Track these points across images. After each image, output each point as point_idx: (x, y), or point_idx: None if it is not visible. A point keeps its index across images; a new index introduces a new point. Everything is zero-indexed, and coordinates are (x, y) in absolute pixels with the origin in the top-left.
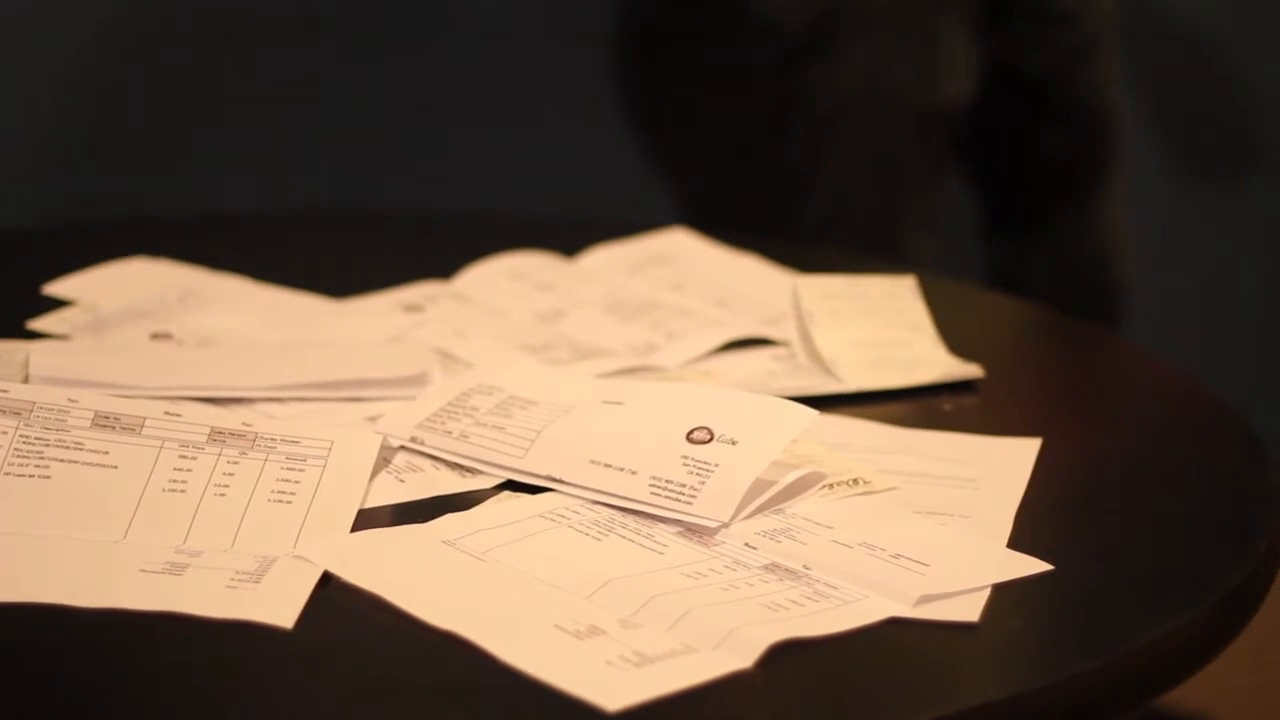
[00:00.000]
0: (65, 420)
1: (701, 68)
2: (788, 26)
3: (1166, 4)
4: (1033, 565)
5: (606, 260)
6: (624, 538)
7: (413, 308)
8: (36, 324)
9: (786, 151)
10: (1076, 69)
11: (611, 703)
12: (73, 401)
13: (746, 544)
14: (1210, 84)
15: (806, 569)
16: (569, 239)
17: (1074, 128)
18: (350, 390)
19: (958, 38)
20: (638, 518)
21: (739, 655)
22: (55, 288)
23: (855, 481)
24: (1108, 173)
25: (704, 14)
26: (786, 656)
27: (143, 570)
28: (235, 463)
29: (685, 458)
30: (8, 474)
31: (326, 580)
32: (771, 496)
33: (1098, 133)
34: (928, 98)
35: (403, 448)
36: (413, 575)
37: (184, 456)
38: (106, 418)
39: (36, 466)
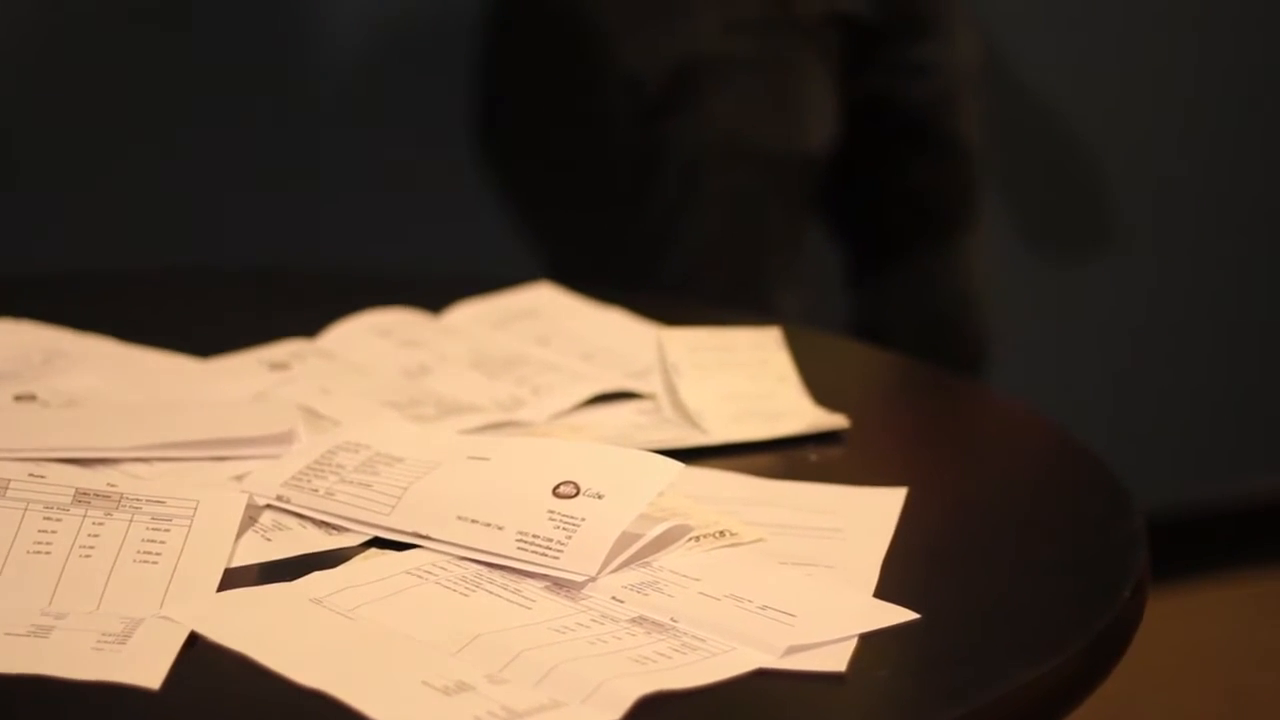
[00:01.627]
0: None
1: (563, 121)
2: (648, 78)
3: (1025, 72)
4: (899, 614)
5: (472, 316)
6: (491, 593)
7: (278, 366)
8: None
9: (650, 204)
10: (937, 118)
11: None
12: None
13: (614, 597)
14: (1061, 151)
15: (674, 621)
16: (435, 295)
17: (934, 178)
18: (216, 449)
19: (819, 88)
20: (505, 573)
21: (607, 709)
22: None
23: (722, 533)
24: (968, 222)
25: (565, 67)
26: (655, 709)
27: (7, 633)
28: (100, 524)
29: (552, 512)
30: None
31: (193, 640)
32: (638, 550)
33: (957, 183)
34: (790, 148)
35: (269, 506)
36: (280, 634)
37: (48, 518)
38: None
39: None
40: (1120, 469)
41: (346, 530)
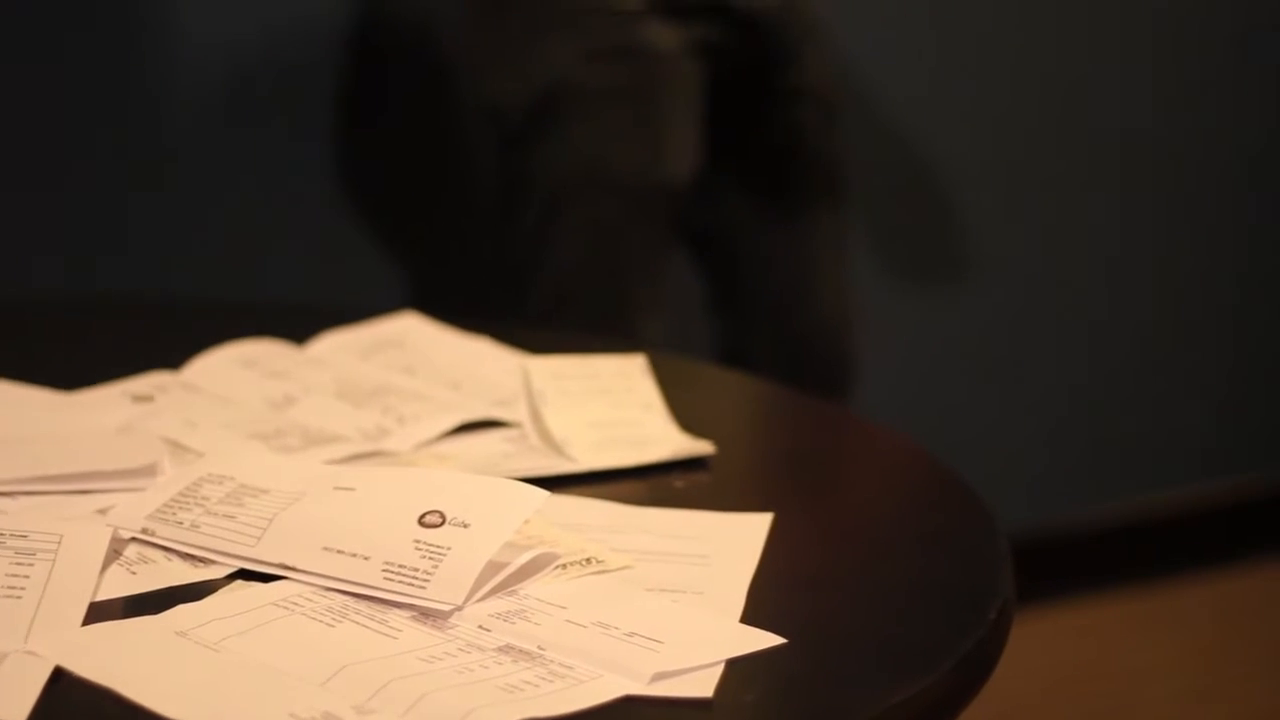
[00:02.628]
0: None
1: (426, 151)
2: (509, 109)
3: (882, 99)
4: (766, 639)
5: (337, 346)
6: (358, 623)
7: (142, 398)
8: None
9: (513, 233)
10: (800, 144)
11: None
12: None
13: (481, 626)
14: (918, 173)
15: (541, 649)
16: (299, 326)
17: (793, 204)
18: (80, 483)
19: (680, 117)
20: (371, 603)
21: None
22: None
23: (588, 561)
24: (830, 247)
25: (426, 97)
26: None
27: None
28: None
29: (418, 542)
30: None
31: (59, 675)
32: (505, 578)
33: (816, 208)
34: (651, 177)
35: (134, 539)
36: (146, 667)
37: None
38: None
39: None
40: (985, 491)
41: (212, 562)
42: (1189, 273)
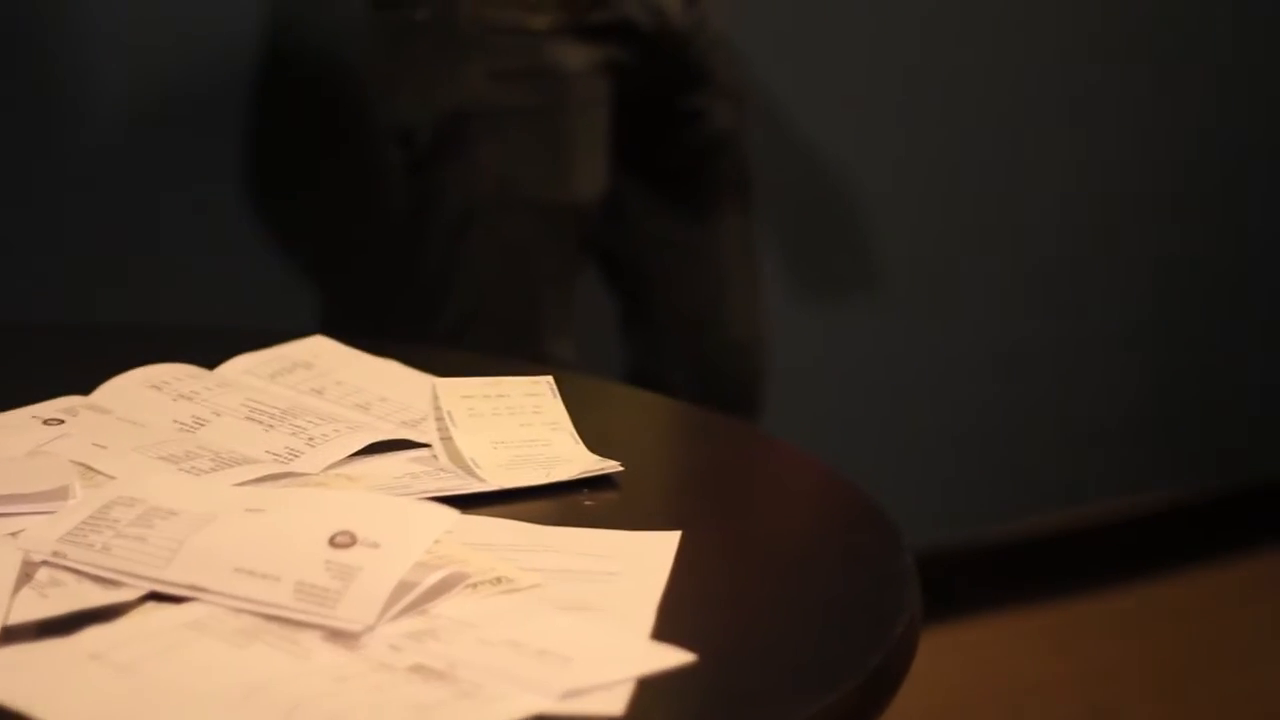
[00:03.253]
0: None
1: (336, 174)
2: (418, 129)
3: (793, 119)
4: (676, 656)
5: (247, 368)
6: (269, 644)
7: (51, 421)
8: None
9: (422, 254)
10: (707, 164)
11: None
12: None
13: (392, 646)
14: (826, 194)
15: (452, 668)
16: (209, 349)
17: (703, 223)
18: None
19: (589, 136)
20: (283, 624)
21: None
22: None
23: (498, 580)
24: (740, 266)
25: (336, 119)
26: None
27: None
28: None
29: (328, 562)
30: None
31: None
32: (415, 598)
33: (726, 227)
34: (560, 197)
35: (45, 562)
36: (59, 690)
37: None
38: None
39: None
40: (892, 509)
41: (124, 585)
42: (1102, 287)
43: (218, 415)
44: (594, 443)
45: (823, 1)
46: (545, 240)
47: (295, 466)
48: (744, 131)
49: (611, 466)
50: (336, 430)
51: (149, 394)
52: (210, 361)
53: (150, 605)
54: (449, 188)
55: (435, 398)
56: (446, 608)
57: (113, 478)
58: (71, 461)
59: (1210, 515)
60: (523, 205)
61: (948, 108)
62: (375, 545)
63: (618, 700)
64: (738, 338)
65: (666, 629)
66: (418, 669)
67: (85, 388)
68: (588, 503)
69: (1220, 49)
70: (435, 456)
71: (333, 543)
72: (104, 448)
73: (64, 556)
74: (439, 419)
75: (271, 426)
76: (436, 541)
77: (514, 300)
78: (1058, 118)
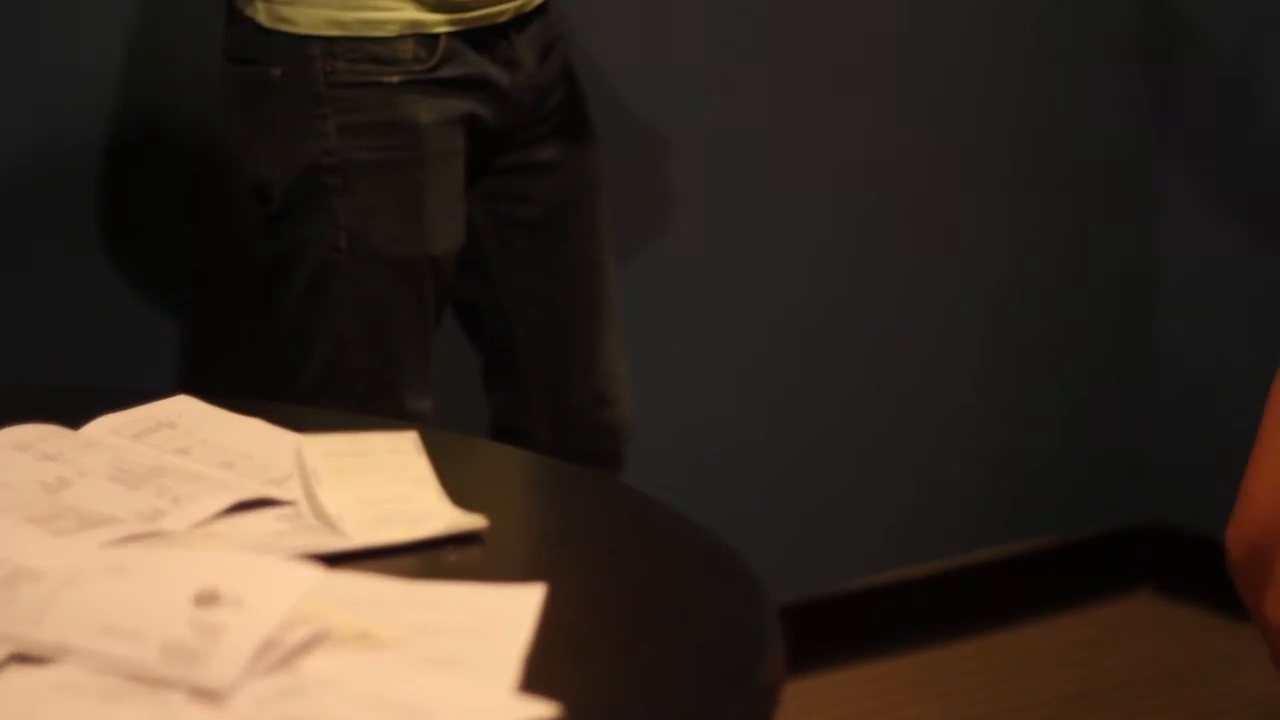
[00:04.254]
0: None
1: (197, 230)
2: (274, 185)
3: (642, 170)
4: (540, 710)
5: (111, 428)
6: (136, 704)
7: None
8: None
9: (281, 310)
10: (567, 215)
11: None
12: None
13: (258, 703)
14: (683, 244)
15: None
16: (73, 409)
17: (563, 274)
18: None
19: (444, 190)
20: (149, 683)
21: None
22: None
23: (363, 636)
24: (601, 317)
25: (195, 176)
26: None
27: None
28: None
29: (194, 621)
30: None
31: None
32: (281, 655)
33: (586, 278)
34: (416, 250)
35: None
36: None
37: None
38: None
39: None
40: (756, 559)
41: None
42: (963, 343)
43: (82, 475)
44: (459, 498)
45: (672, 60)
46: (403, 294)
47: (160, 526)
48: (602, 182)
49: (476, 522)
50: (201, 489)
51: (13, 455)
52: (74, 421)
53: (15, 666)
54: (305, 243)
55: (300, 455)
56: (312, 664)
57: None
58: None
59: (1078, 558)
60: (379, 259)
61: (807, 166)
62: (240, 603)
63: None
64: (601, 390)
65: (531, 682)
66: None
67: None
68: (453, 558)
69: (1093, 112)
70: (300, 514)
71: (198, 601)
72: None
73: None
74: (304, 476)
75: (136, 486)
76: (301, 599)
77: (372, 356)
78: (918, 181)
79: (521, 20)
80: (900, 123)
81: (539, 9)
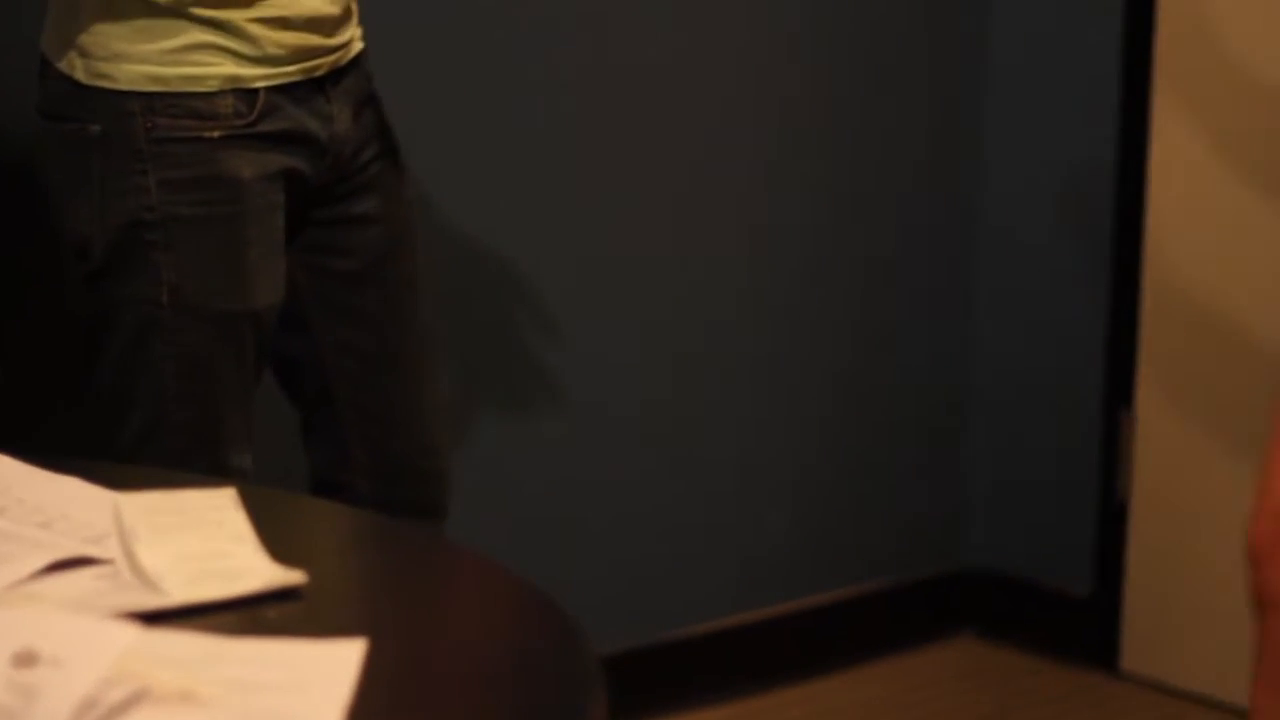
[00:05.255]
0: None
1: (14, 284)
2: (95, 243)
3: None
4: None
5: None
6: None
7: None
8: None
9: (101, 366)
10: (385, 268)
11: None
12: None
13: None
14: (501, 298)
15: None
16: None
17: (383, 326)
18: None
19: (265, 244)
20: None
21: None
22: None
23: (184, 694)
24: (422, 368)
25: (18, 230)
26: None
27: None
28: None
29: (10, 682)
30: None
31: None
32: (99, 715)
33: (405, 330)
34: (237, 305)
35: None
36: None
37: None
38: None
39: None
40: (581, 612)
41: None
42: (771, 394)
43: None
44: (278, 555)
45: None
46: (224, 350)
47: None
48: (417, 234)
49: (295, 578)
50: (19, 549)
51: None
52: None
53: None
54: (126, 300)
55: (117, 513)
56: None
57: None
58: None
59: (900, 604)
60: (201, 315)
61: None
62: (59, 663)
63: None
64: (423, 441)
65: None
66: None
67: None
68: (272, 614)
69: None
70: (119, 572)
71: (16, 662)
72: None
73: None
74: (122, 535)
75: None
76: (121, 657)
77: (194, 411)
78: (737, 246)
79: (336, 74)
80: (738, 215)
81: (352, 63)
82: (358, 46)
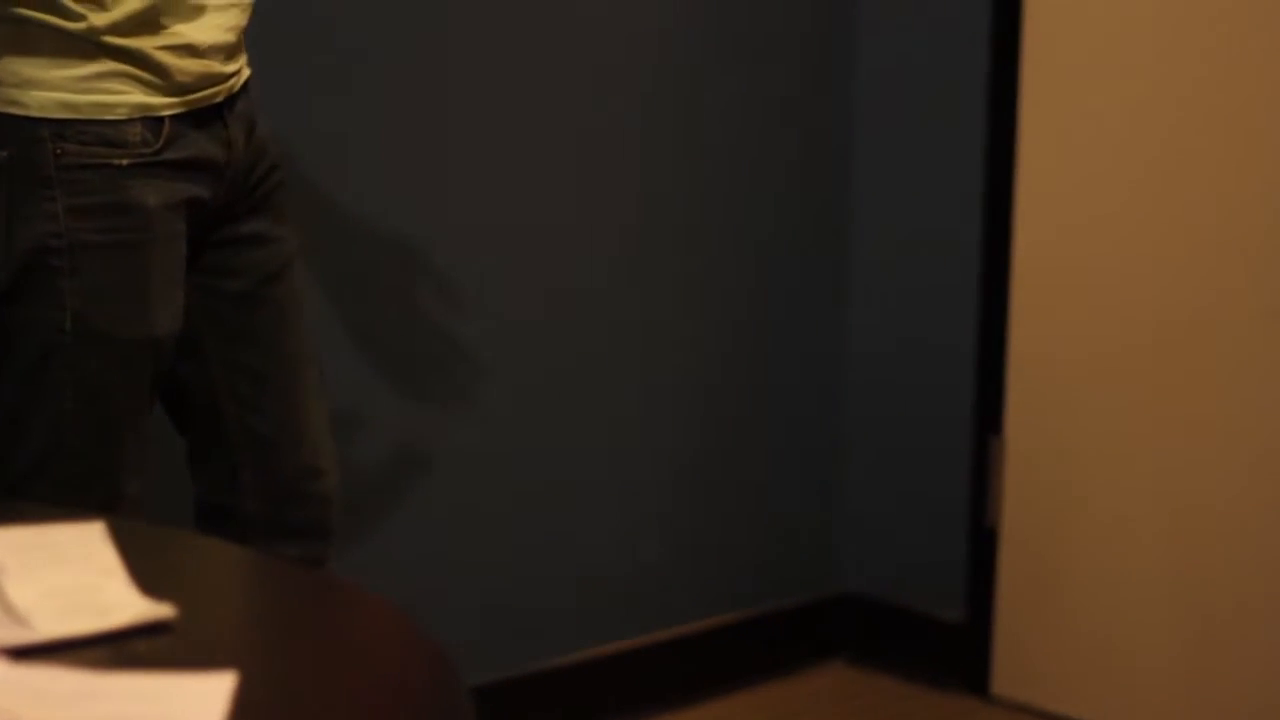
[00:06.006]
0: None
1: None
2: (1, 266)
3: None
4: None
5: None
6: None
7: None
8: None
9: (1, 392)
10: (272, 287)
11: None
12: None
13: None
14: (389, 314)
15: None
16: None
17: (271, 347)
18: None
19: (168, 272)
20: None
21: None
22: None
23: None
24: (309, 389)
25: None
26: None
27: None
28: None
29: None
30: None
31: None
32: None
33: (293, 351)
34: (140, 333)
35: None
36: None
37: None
38: None
39: None
40: (451, 639)
41: None
42: (642, 424)
43: None
44: (148, 587)
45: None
46: (124, 376)
47: None
48: (299, 254)
49: (164, 611)
50: None
51: None
52: None
53: None
54: (28, 324)
55: None
56: None
57: None
58: None
59: (771, 631)
60: (103, 341)
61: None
62: None
63: None
64: (311, 462)
65: None
66: None
67: None
68: (142, 648)
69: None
70: None
71: None
72: None
73: None
74: None
75: None
76: None
77: (92, 439)
78: (610, 276)
79: (231, 100)
80: (596, 245)
81: (244, 88)
82: (246, 72)
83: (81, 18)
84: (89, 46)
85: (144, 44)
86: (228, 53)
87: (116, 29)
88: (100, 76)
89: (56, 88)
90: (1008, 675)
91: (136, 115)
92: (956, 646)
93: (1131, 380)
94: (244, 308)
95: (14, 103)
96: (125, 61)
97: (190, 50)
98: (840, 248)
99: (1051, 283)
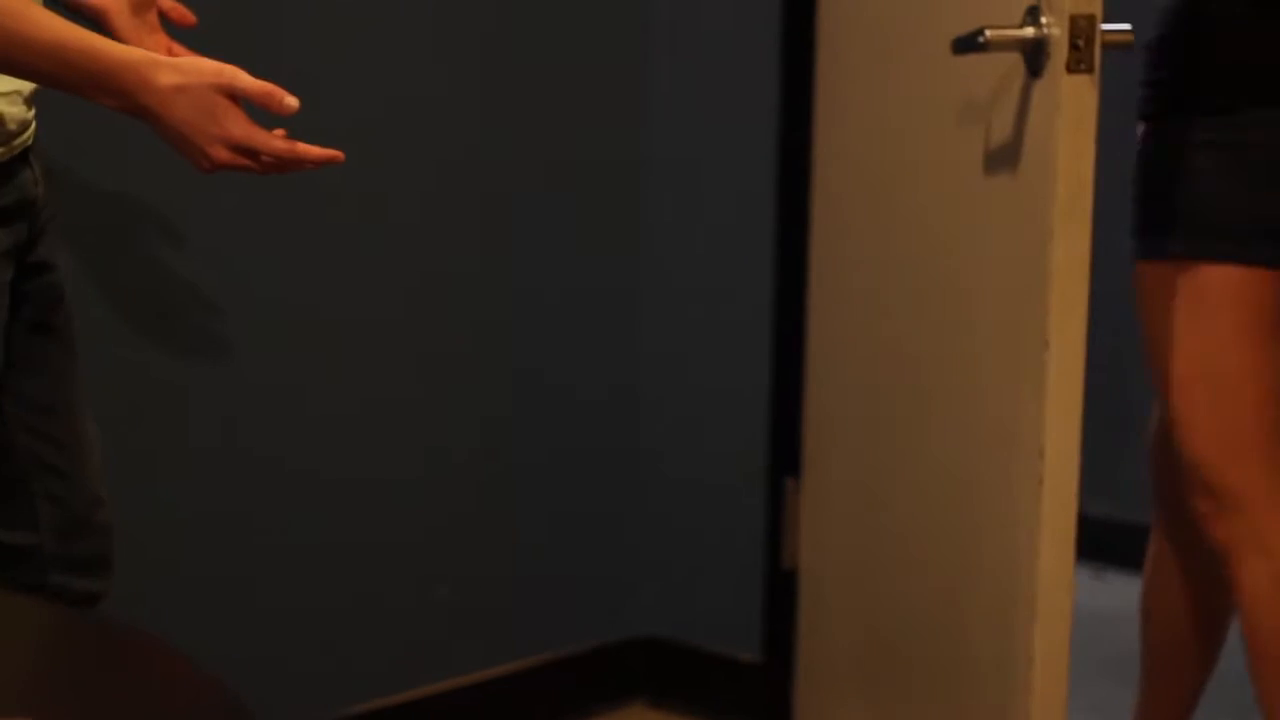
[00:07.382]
0: None
1: None
2: None
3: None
4: None
5: None
6: None
7: None
8: None
9: None
10: (51, 314)
11: None
12: None
13: None
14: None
15: None
16: None
17: (56, 376)
18: None
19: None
20: None
21: None
22: None
23: None
24: (86, 417)
25: None
26: None
27: None
28: None
29: None
30: None
31: None
32: None
33: (71, 378)
34: None
35: None
36: None
37: None
38: None
39: None
40: (247, 687)
41: None
42: (439, 449)
43: None
44: None
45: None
46: None
47: None
48: (68, 280)
49: None
50: None
51: None
52: None
53: None
54: None
55: None
56: None
57: None
58: None
59: (571, 673)
60: None
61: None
62: None
63: None
64: (95, 491)
65: None
66: None
67: None
68: None
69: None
70: None
71: None
72: None
73: None
74: None
75: None
76: None
77: None
78: (405, 304)
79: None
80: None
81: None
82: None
83: None
84: None
85: None
86: (34, 96)
87: None
88: None
89: None
90: (809, 715)
91: None
92: (756, 687)
93: (920, 419)
94: (33, 336)
95: None
96: None
97: (20, 96)
98: (630, 290)
99: (841, 329)
